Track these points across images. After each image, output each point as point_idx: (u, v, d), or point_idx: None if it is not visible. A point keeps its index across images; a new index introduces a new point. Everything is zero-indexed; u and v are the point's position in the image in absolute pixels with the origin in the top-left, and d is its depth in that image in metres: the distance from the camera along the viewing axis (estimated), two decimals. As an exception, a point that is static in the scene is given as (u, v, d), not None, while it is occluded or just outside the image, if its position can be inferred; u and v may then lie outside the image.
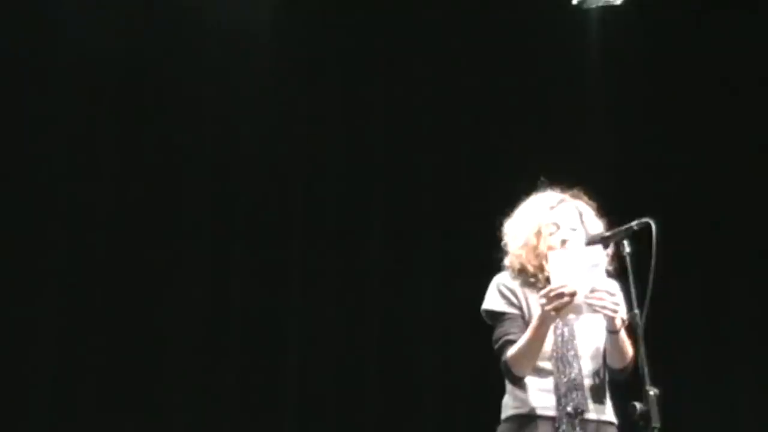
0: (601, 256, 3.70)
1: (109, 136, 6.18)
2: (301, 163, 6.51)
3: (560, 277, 3.66)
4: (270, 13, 6.42)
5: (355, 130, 6.57)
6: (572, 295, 3.64)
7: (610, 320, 3.75)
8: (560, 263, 3.68)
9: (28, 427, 5.90)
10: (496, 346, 3.88)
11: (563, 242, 3.89)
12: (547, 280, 3.73)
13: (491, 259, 4.07)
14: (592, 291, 3.65)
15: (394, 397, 6.39)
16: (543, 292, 3.69)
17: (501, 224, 4.05)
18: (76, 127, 6.15)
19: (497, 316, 3.92)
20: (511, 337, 3.83)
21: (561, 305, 3.65)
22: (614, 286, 3.75)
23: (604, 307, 3.67)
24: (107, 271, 6.06)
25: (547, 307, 3.66)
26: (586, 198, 4.03)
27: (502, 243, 4.02)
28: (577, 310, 3.69)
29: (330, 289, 6.43)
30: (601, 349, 3.88)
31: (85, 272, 6.05)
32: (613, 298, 3.68)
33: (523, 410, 3.85)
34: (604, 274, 3.71)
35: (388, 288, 6.48)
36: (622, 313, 3.74)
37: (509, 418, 3.88)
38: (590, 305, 3.66)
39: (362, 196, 6.54)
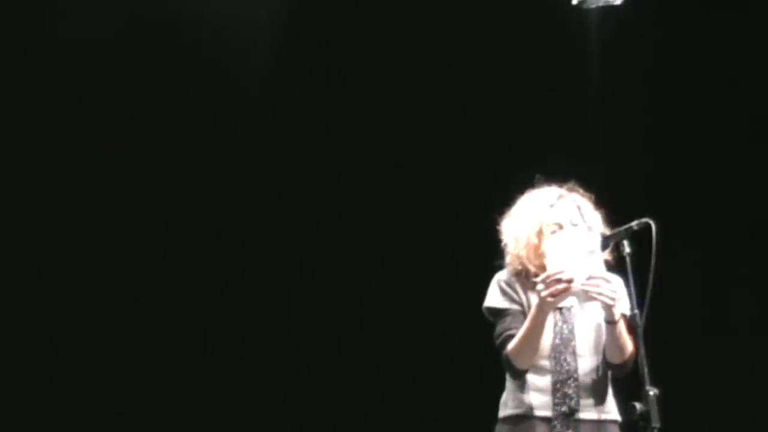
0: (597, 243, 3.69)
1: (108, 135, 6.17)
2: (302, 162, 6.51)
3: (557, 263, 3.66)
4: (270, 13, 6.41)
5: (355, 129, 6.57)
6: (569, 281, 3.64)
7: (608, 310, 3.75)
8: (557, 249, 3.69)
9: (28, 426, 5.90)
10: (498, 341, 3.89)
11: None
12: None
13: (492, 258, 4.07)
14: (589, 278, 3.66)
15: (393, 396, 6.39)
16: (540, 278, 3.69)
17: (499, 224, 4.05)
18: (75, 127, 6.14)
19: (499, 313, 3.92)
20: (512, 332, 3.83)
21: (558, 292, 3.65)
22: (615, 278, 3.75)
23: (600, 294, 3.67)
24: (107, 270, 6.06)
25: (544, 293, 3.66)
26: (581, 191, 4.03)
27: (502, 243, 4.02)
28: (575, 297, 3.70)
29: (330, 289, 6.43)
30: (602, 347, 3.88)
31: (85, 271, 6.04)
32: (610, 286, 3.68)
33: (520, 410, 3.85)
34: (602, 262, 3.71)
35: (388, 288, 6.48)
36: (621, 305, 3.74)
37: (507, 418, 3.89)
38: (587, 292, 3.67)
39: (362, 195, 6.54)
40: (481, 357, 5.02)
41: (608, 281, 3.68)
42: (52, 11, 6.11)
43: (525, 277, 3.91)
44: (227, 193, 6.38)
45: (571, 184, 4.03)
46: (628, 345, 3.79)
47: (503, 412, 3.91)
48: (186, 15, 6.27)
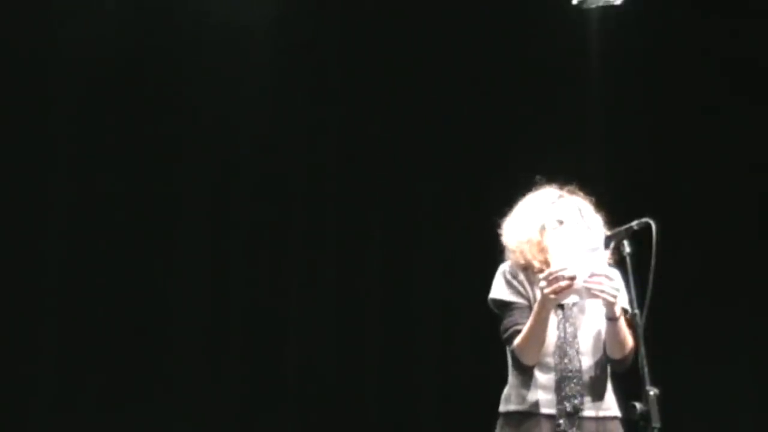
0: (600, 240, 3.71)
1: (108, 135, 6.18)
2: (301, 162, 6.51)
3: (560, 260, 3.67)
4: (270, 13, 6.42)
5: (355, 129, 6.57)
6: (572, 278, 3.65)
7: (609, 307, 3.77)
8: (560, 245, 3.70)
9: (28, 426, 5.91)
10: (505, 336, 3.90)
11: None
12: None
13: (492, 258, 4.07)
14: (591, 275, 3.67)
15: (394, 396, 6.40)
16: (543, 275, 3.71)
17: (500, 223, 4.06)
18: (75, 127, 6.14)
19: (505, 306, 3.93)
20: (519, 327, 3.85)
21: (560, 289, 3.66)
22: (614, 272, 3.75)
23: (603, 291, 3.68)
24: (106, 269, 6.06)
25: (547, 290, 3.68)
26: (582, 194, 4.04)
27: (502, 241, 4.02)
28: (577, 294, 3.71)
29: (330, 289, 6.44)
30: (602, 344, 3.89)
31: (85, 270, 6.05)
32: (612, 283, 3.70)
33: (523, 407, 3.87)
34: (605, 259, 3.72)
35: (388, 288, 6.49)
36: (621, 300, 3.75)
37: (509, 414, 3.90)
38: (589, 289, 3.68)
39: (362, 194, 6.55)
40: (481, 356, 5.02)
41: (610, 278, 3.70)
42: (53, 11, 6.10)
43: (530, 271, 3.92)
44: (227, 192, 6.38)
45: (571, 187, 4.05)
46: (628, 340, 3.81)
47: (505, 407, 3.92)
48: (186, 15, 6.27)
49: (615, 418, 3.90)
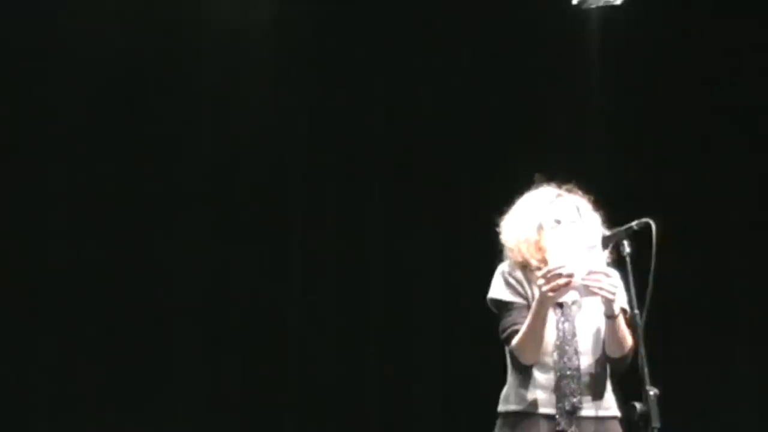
0: (598, 238, 3.71)
1: (108, 135, 6.18)
2: (301, 162, 6.52)
3: (558, 258, 3.67)
4: (271, 12, 6.42)
5: (355, 130, 6.57)
6: (570, 276, 3.65)
7: (608, 304, 3.77)
8: (558, 243, 3.70)
9: (28, 426, 5.91)
10: (504, 336, 3.90)
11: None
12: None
13: (492, 258, 4.07)
14: (590, 273, 3.67)
15: (393, 396, 6.40)
16: (541, 273, 3.71)
17: (498, 222, 4.06)
18: (76, 126, 6.15)
19: (504, 306, 3.93)
20: (517, 327, 3.85)
21: (558, 286, 3.66)
22: (613, 272, 3.76)
23: (601, 289, 3.68)
24: (107, 270, 6.07)
25: (545, 288, 3.68)
26: (581, 192, 4.04)
27: (501, 239, 4.02)
28: (575, 292, 3.71)
29: (330, 289, 6.44)
30: (601, 343, 3.89)
31: (85, 270, 6.05)
32: (611, 280, 3.70)
33: (521, 407, 3.86)
34: (603, 257, 3.72)
35: (389, 287, 6.49)
36: (620, 299, 3.75)
37: (508, 414, 3.89)
38: (587, 287, 3.68)
39: (363, 194, 6.55)
40: (481, 356, 5.01)
41: (609, 276, 3.70)
42: (53, 11, 6.11)
43: (528, 270, 3.92)
44: (227, 192, 6.39)
45: (570, 185, 4.05)
46: (627, 339, 3.81)
47: (504, 406, 3.91)
48: (186, 14, 6.28)
49: (614, 417, 3.89)
